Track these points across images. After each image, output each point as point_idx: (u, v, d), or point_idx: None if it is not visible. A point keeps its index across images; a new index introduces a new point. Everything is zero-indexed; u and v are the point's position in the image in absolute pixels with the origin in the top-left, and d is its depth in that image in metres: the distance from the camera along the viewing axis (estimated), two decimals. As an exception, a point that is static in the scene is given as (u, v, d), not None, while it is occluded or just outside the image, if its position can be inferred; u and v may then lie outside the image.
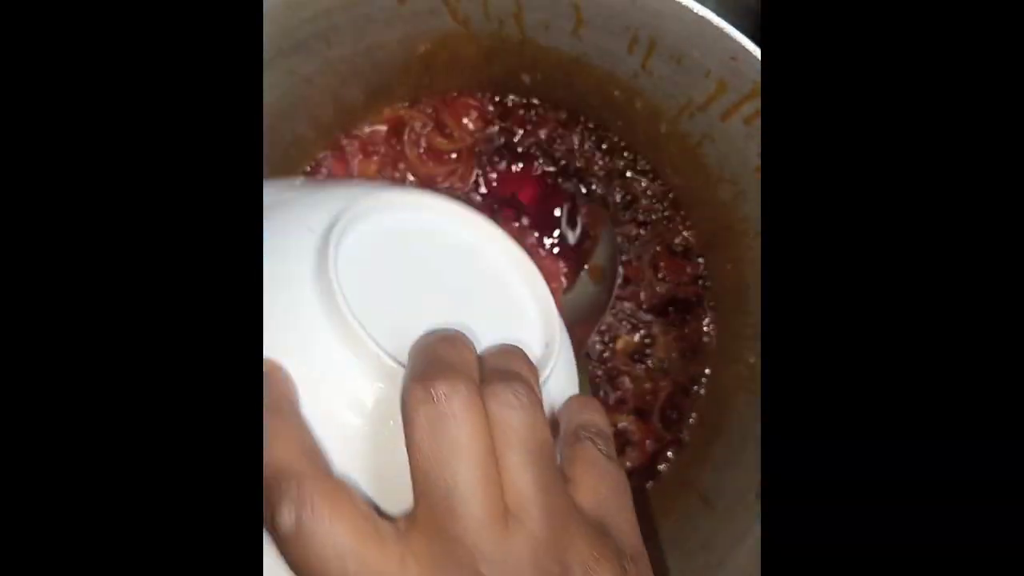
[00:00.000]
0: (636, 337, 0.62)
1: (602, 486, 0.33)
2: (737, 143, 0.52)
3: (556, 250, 0.61)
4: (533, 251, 0.61)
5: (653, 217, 0.63)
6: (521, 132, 0.62)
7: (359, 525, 0.28)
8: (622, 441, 0.61)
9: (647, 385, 0.62)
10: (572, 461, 0.34)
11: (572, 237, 0.62)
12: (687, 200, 0.62)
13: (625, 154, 0.63)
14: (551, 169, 0.62)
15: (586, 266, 0.61)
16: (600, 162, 0.63)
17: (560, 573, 0.29)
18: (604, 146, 0.63)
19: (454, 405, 0.29)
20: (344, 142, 0.62)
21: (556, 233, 0.62)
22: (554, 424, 0.36)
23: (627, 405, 0.62)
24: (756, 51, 0.45)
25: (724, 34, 0.45)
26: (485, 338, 0.37)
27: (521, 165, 0.62)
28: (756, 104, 0.48)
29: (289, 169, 0.61)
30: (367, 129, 0.62)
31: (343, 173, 0.62)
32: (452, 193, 0.61)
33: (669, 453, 0.62)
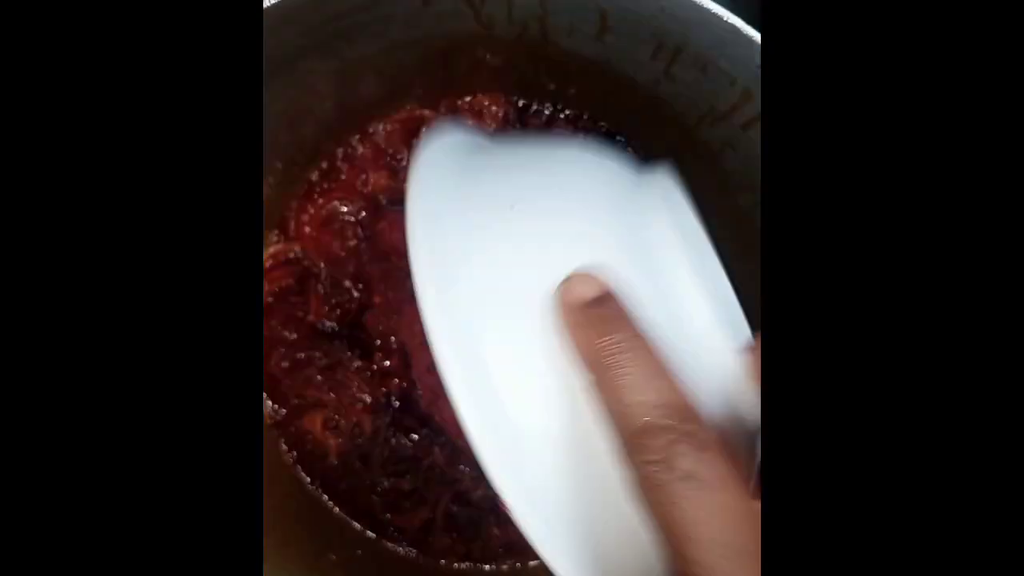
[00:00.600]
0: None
1: None
2: (758, 153, 0.52)
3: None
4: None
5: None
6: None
7: (740, 483, 0.29)
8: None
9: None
10: None
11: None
12: (706, 210, 0.61)
13: (644, 160, 0.62)
14: (568, 172, 0.62)
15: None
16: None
17: None
18: (623, 150, 0.62)
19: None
20: (362, 141, 0.62)
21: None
22: None
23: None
24: (785, 62, 0.44)
25: (753, 43, 0.44)
26: None
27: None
28: (781, 114, 0.48)
29: (305, 166, 0.61)
30: (386, 128, 0.62)
31: (362, 171, 0.62)
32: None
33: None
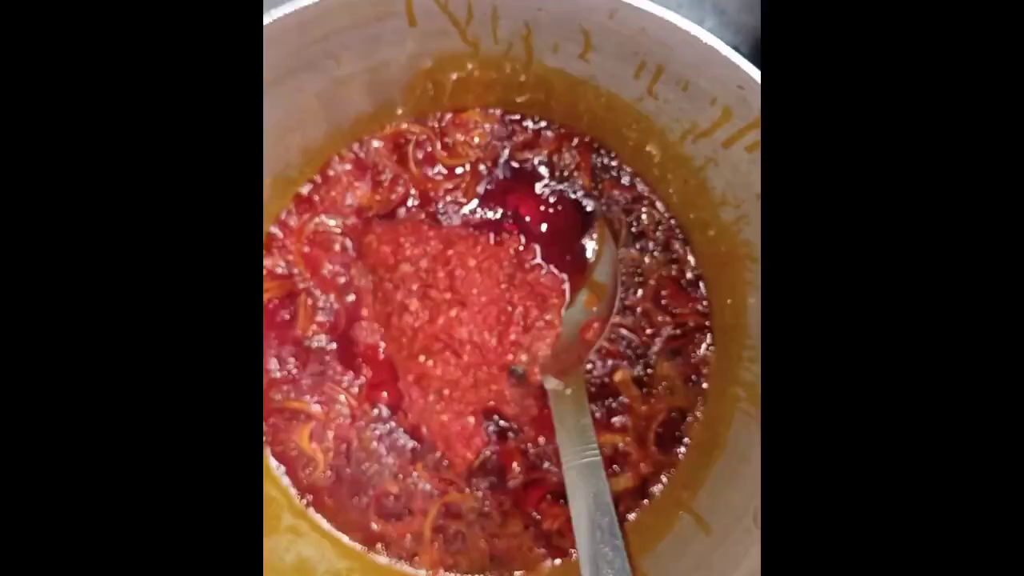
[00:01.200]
0: (636, 363, 0.62)
1: None
2: (741, 169, 0.53)
3: (557, 266, 0.62)
4: (535, 267, 0.61)
5: (654, 242, 0.63)
6: (525, 150, 0.63)
7: None
8: (617, 463, 0.62)
9: (643, 408, 0.62)
10: None
11: (573, 254, 0.62)
12: (689, 223, 0.62)
13: (627, 175, 0.63)
14: (554, 186, 0.62)
15: (587, 283, 0.62)
16: (603, 182, 0.63)
17: None
18: (607, 166, 0.63)
19: None
20: (350, 155, 0.62)
21: (557, 249, 0.62)
22: None
23: (624, 427, 0.62)
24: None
25: (732, 64, 0.45)
26: None
27: (525, 182, 0.62)
28: (759, 133, 0.48)
29: (294, 181, 0.61)
30: (373, 144, 0.62)
31: (350, 185, 0.62)
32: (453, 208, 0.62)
33: (663, 476, 0.62)
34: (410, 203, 0.62)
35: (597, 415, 0.62)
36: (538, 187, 0.62)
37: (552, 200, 0.62)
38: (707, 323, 0.63)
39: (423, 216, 0.62)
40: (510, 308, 0.60)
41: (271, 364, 0.61)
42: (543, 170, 0.63)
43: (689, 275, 0.63)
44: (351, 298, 0.62)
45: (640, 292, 0.63)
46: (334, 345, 0.62)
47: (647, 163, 0.61)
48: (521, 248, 0.62)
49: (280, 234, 0.62)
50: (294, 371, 0.62)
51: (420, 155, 0.62)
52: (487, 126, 0.62)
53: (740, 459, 0.57)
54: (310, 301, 0.62)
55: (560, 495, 0.60)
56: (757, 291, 0.57)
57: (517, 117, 0.63)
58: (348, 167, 0.62)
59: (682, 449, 0.62)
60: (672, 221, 0.63)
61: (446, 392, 0.60)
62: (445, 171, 0.62)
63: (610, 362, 0.62)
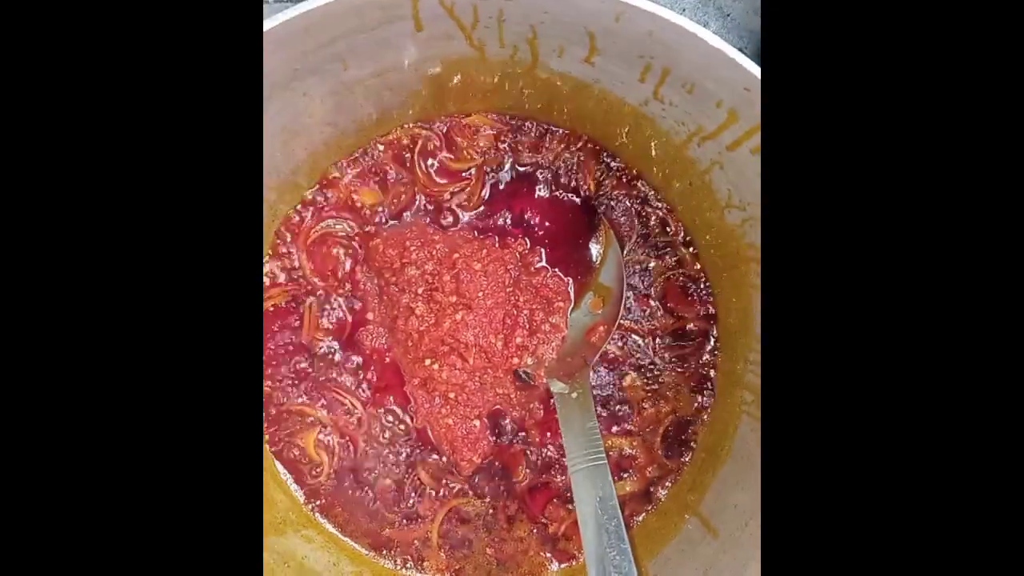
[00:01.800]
0: (643, 367, 0.62)
1: None
2: (746, 172, 0.52)
3: (563, 269, 0.62)
4: (540, 270, 0.61)
5: (659, 245, 0.63)
6: (531, 153, 0.63)
7: None
8: (624, 467, 0.62)
9: (650, 411, 0.62)
10: None
11: (578, 257, 0.62)
12: (694, 226, 0.62)
13: (632, 177, 0.63)
14: (559, 190, 0.63)
15: (593, 286, 0.62)
16: (608, 185, 0.63)
17: None
18: (613, 169, 0.63)
19: None
20: (357, 160, 0.62)
21: (562, 252, 0.62)
22: None
23: (630, 431, 0.62)
24: (769, 84, 0.45)
25: (738, 65, 0.45)
26: None
27: (530, 185, 0.63)
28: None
29: (300, 185, 0.61)
30: (379, 148, 0.62)
31: (356, 189, 0.62)
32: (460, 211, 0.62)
33: (670, 480, 0.62)
34: (416, 207, 0.62)
35: (604, 419, 0.61)
36: (543, 190, 0.62)
37: (557, 203, 0.62)
38: (713, 327, 0.63)
39: (429, 220, 0.62)
40: (515, 311, 0.60)
41: (279, 370, 0.61)
42: (548, 174, 0.63)
43: (694, 278, 0.63)
44: (357, 302, 0.62)
45: (646, 295, 0.63)
46: (340, 349, 0.62)
47: (652, 166, 0.61)
48: (526, 251, 0.62)
49: (286, 238, 0.62)
50: (300, 376, 0.62)
51: (426, 159, 0.62)
52: (492, 130, 0.62)
53: (746, 462, 0.57)
54: (316, 306, 0.62)
55: (567, 499, 0.60)
56: (760, 293, 0.57)
57: (522, 121, 0.63)
58: (354, 171, 0.62)
59: (689, 453, 0.62)
60: (677, 224, 0.63)
61: (452, 396, 0.60)
62: (450, 175, 0.62)
63: (617, 366, 0.62)
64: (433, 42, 0.51)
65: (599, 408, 0.61)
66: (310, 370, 0.62)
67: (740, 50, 0.45)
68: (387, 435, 0.61)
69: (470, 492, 0.61)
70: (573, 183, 0.63)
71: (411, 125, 0.62)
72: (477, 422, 0.61)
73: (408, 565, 0.61)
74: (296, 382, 0.62)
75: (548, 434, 0.61)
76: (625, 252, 0.62)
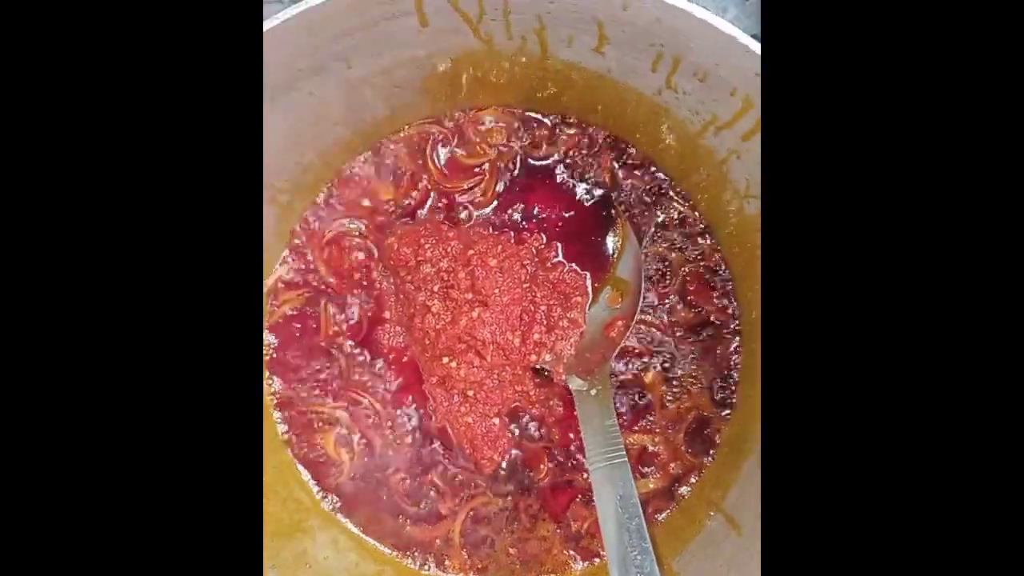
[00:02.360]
0: (663, 361, 0.61)
1: None
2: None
3: (580, 264, 0.61)
4: (557, 265, 0.61)
5: (678, 237, 0.62)
6: (544, 147, 0.62)
7: None
8: (646, 463, 0.61)
9: (672, 407, 0.61)
10: None
11: (595, 251, 0.61)
12: (713, 218, 0.61)
13: (647, 169, 0.62)
14: (574, 183, 0.62)
15: (610, 281, 0.61)
16: (624, 177, 0.62)
17: None
18: (628, 161, 0.62)
19: None
20: (368, 158, 0.62)
21: (579, 247, 0.61)
22: None
23: (652, 427, 0.61)
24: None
25: (750, 52, 0.44)
26: None
27: (544, 179, 0.62)
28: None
29: (313, 186, 0.61)
30: (391, 146, 0.62)
31: (369, 188, 0.62)
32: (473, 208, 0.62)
33: (693, 476, 0.61)
34: (430, 204, 0.62)
35: (625, 415, 0.61)
36: (558, 184, 0.62)
37: (572, 197, 0.62)
38: (736, 320, 0.61)
39: (443, 217, 0.62)
40: (532, 307, 0.59)
41: (298, 371, 0.62)
42: (562, 167, 0.62)
43: (714, 271, 0.62)
44: (373, 302, 0.62)
45: (665, 289, 0.62)
46: (358, 349, 0.62)
47: (668, 157, 0.60)
48: (542, 246, 0.61)
49: (301, 239, 0.62)
50: (319, 377, 0.61)
51: (438, 156, 0.62)
52: (504, 124, 0.62)
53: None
54: (332, 306, 0.62)
55: (590, 497, 0.60)
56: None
57: (535, 114, 0.62)
58: (366, 170, 0.62)
59: (712, 449, 0.61)
60: (696, 216, 0.62)
61: (471, 394, 0.59)
62: (464, 171, 0.62)
63: (638, 361, 0.61)
64: (439, 37, 0.51)
65: (619, 404, 0.60)
66: (328, 371, 0.61)
67: (756, 36, 0.44)
68: (406, 434, 0.61)
69: (491, 491, 0.61)
70: (588, 176, 0.62)
71: (422, 122, 0.62)
72: (496, 420, 0.60)
73: (430, 565, 0.61)
74: (315, 383, 0.62)
75: (569, 431, 0.60)
76: (643, 245, 0.61)
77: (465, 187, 0.62)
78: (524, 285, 0.59)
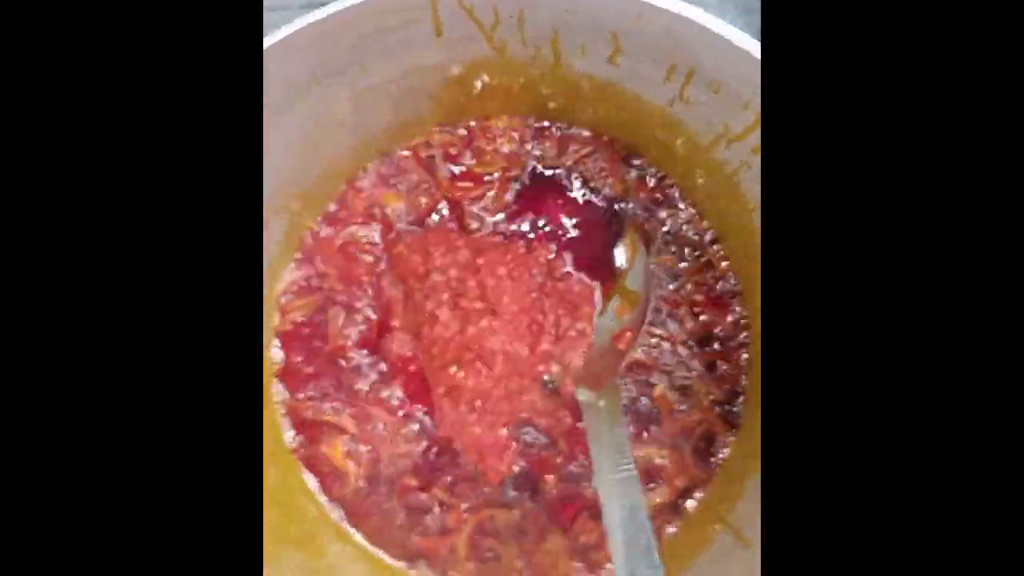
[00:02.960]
0: (672, 373, 0.61)
1: None
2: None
3: (589, 274, 0.61)
4: (566, 276, 0.60)
5: (687, 249, 0.62)
6: (555, 156, 0.62)
7: None
8: (653, 477, 0.60)
9: (680, 419, 0.61)
10: None
11: (604, 261, 0.61)
12: (723, 229, 0.61)
13: (658, 180, 0.62)
14: (584, 193, 0.62)
15: (618, 291, 0.61)
16: (634, 187, 0.62)
17: None
18: (639, 171, 0.62)
19: None
20: (378, 166, 0.62)
21: (588, 257, 0.61)
22: None
23: (660, 440, 0.61)
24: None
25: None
26: None
27: (554, 188, 0.62)
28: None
29: (323, 195, 0.61)
30: (401, 153, 0.62)
31: (378, 196, 0.62)
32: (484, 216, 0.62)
33: (700, 490, 0.60)
34: (439, 212, 0.62)
35: (632, 427, 0.60)
36: (568, 193, 0.62)
37: (582, 206, 0.62)
38: (745, 332, 0.61)
39: (452, 224, 0.62)
40: (541, 317, 0.59)
41: (306, 381, 0.61)
42: (573, 176, 0.62)
43: (724, 283, 0.61)
44: (382, 310, 0.62)
45: (674, 300, 0.61)
46: (366, 358, 0.61)
47: (678, 168, 0.60)
48: (551, 256, 0.61)
49: (310, 247, 0.62)
50: (327, 386, 0.61)
51: (448, 164, 0.62)
52: (516, 133, 0.62)
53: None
54: (341, 315, 0.62)
55: (598, 511, 0.59)
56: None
57: (546, 124, 0.62)
58: (376, 178, 0.62)
59: (720, 462, 0.61)
60: (704, 224, 0.62)
61: (478, 403, 0.59)
62: (474, 179, 0.62)
63: (645, 373, 0.61)
64: (453, 44, 0.51)
65: (627, 417, 0.60)
66: (336, 379, 0.61)
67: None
68: (413, 444, 0.61)
69: (498, 503, 0.60)
70: (598, 186, 0.62)
71: (433, 129, 0.62)
72: (504, 431, 0.60)
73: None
74: (322, 392, 0.61)
75: (577, 443, 0.60)
76: (651, 256, 0.61)
77: (475, 196, 0.62)
78: (533, 295, 0.59)
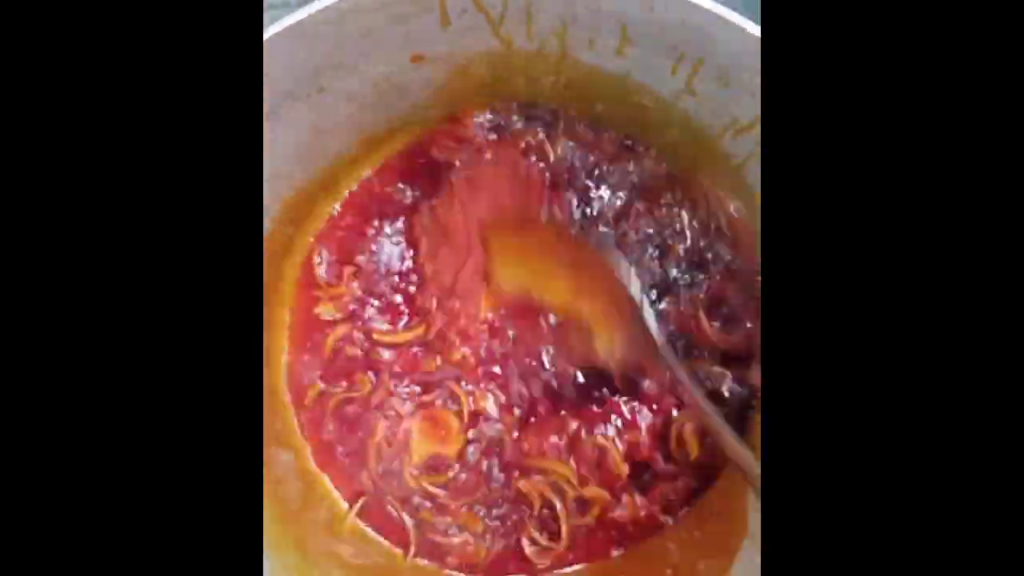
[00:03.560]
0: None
1: None
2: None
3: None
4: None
5: (698, 248, 0.61)
6: (559, 148, 0.61)
7: None
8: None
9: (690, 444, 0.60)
10: None
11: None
12: (732, 223, 0.60)
13: (665, 171, 0.61)
14: (589, 185, 0.61)
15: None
16: (638, 179, 0.61)
17: None
18: (643, 163, 0.61)
19: None
20: (387, 161, 0.62)
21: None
22: None
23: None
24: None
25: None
26: None
27: (557, 181, 0.61)
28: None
29: (332, 186, 0.61)
30: (406, 147, 0.62)
31: (387, 187, 0.62)
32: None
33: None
34: (448, 204, 0.61)
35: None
36: (573, 186, 0.61)
37: (587, 200, 0.61)
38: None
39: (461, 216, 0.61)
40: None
41: (323, 378, 0.62)
42: (578, 170, 0.61)
43: (738, 291, 0.61)
44: (398, 306, 0.62)
45: (679, 311, 0.61)
46: (382, 352, 0.62)
47: (685, 159, 0.60)
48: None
49: (320, 248, 0.62)
50: (343, 383, 0.62)
51: (455, 158, 0.61)
52: (522, 124, 0.61)
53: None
54: (359, 312, 0.62)
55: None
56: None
57: (552, 115, 0.61)
58: (385, 173, 0.62)
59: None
60: (713, 223, 0.61)
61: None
62: (479, 170, 0.61)
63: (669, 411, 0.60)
64: (459, 36, 0.51)
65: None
66: (355, 376, 0.62)
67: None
68: (431, 439, 0.61)
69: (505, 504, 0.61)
70: (603, 179, 0.61)
71: (439, 123, 0.61)
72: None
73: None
74: (340, 388, 0.62)
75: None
76: (653, 254, 0.61)
77: (477, 187, 0.61)
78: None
